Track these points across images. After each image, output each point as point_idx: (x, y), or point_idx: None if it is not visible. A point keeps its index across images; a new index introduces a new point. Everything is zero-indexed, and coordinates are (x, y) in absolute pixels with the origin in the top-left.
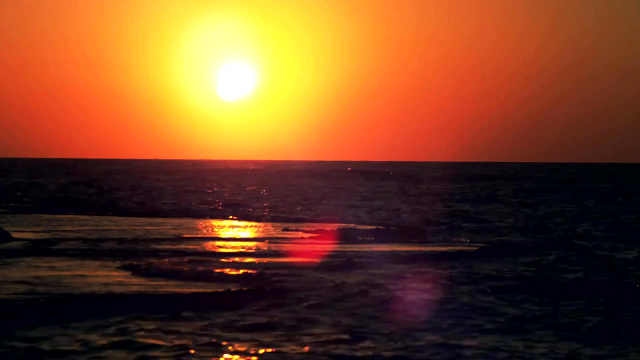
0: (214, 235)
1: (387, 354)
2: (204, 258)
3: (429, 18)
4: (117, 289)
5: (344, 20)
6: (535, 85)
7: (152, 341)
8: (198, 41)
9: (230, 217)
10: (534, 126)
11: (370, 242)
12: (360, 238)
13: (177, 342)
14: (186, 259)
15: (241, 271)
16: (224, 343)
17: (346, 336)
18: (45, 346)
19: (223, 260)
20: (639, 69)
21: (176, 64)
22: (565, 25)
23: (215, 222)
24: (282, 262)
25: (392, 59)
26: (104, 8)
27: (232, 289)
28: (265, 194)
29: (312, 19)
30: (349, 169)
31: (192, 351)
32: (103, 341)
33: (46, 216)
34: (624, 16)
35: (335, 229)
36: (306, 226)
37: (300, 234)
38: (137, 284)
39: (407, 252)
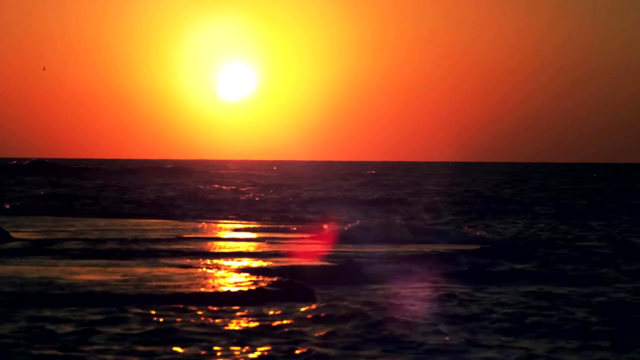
0: (214, 236)
1: (389, 355)
2: (204, 258)
3: (427, 18)
4: (119, 289)
5: (343, 20)
6: (533, 85)
7: (159, 345)
8: (198, 42)
9: (230, 217)
10: (532, 126)
11: (370, 242)
12: (360, 238)
13: (184, 339)
14: (187, 259)
15: (241, 271)
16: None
17: (347, 340)
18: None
19: (222, 260)
20: (638, 68)
21: (177, 65)
22: (563, 24)
23: (215, 223)
24: (282, 263)
25: (391, 58)
26: (105, 10)
27: (231, 290)
28: (265, 194)
29: (311, 20)
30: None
31: (203, 352)
32: (108, 338)
33: (46, 216)
34: (623, 15)
35: (334, 229)
36: (306, 226)
37: (300, 234)
38: (139, 282)
39: (407, 252)
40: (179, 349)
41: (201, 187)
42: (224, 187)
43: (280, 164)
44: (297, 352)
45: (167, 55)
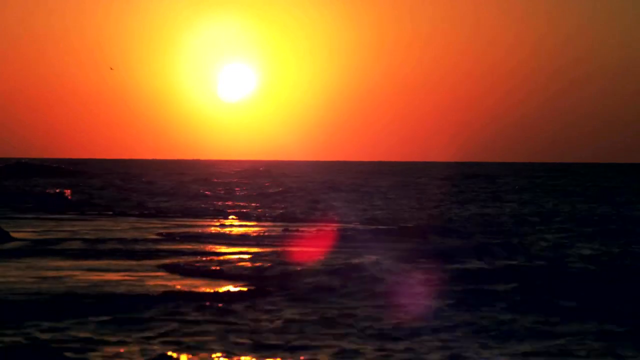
0: (214, 236)
1: (389, 354)
2: (204, 258)
3: (426, 18)
4: (121, 288)
5: (342, 21)
6: (532, 85)
7: (165, 346)
8: (198, 42)
9: (230, 217)
10: (531, 126)
11: (371, 242)
12: (360, 238)
13: (187, 339)
14: (185, 258)
15: (240, 271)
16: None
17: (348, 340)
18: (47, 341)
19: (222, 260)
20: (637, 68)
21: (177, 66)
22: (562, 24)
23: (215, 222)
24: (282, 263)
25: (390, 58)
26: (106, 10)
27: (231, 290)
28: (266, 194)
29: (311, 21)
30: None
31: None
32: (112, 338)
33: (46, 216)
34: (623, 15)
35: (335, 229)
36: (306, 226)
37: (300, 234)
38: (140, 283)
39: (407, 252)
40: (183, 353)
41: (199, 186)
42: (220, 190)
43: (281, 164)
44: (297, 346)
45: (167, 55)
